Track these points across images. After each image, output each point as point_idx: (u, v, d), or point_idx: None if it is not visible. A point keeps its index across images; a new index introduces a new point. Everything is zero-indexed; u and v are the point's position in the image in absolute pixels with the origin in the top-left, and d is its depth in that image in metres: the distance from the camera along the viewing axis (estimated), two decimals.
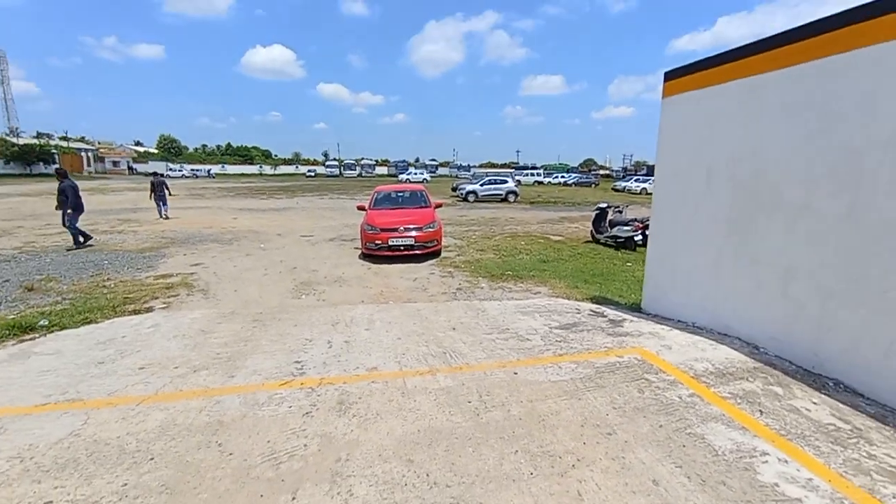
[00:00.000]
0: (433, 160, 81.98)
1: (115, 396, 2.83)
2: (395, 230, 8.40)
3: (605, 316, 4.71)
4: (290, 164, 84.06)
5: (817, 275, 3.18)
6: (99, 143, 70.05)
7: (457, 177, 49.50)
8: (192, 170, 63.43)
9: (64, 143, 60.70)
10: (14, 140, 55.93)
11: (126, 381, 3.04)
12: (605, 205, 11.46)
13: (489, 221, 15.22)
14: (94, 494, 1.94)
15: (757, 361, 3.38)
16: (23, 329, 4.39)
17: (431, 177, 58.75)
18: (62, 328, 4.50)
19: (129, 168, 64.42)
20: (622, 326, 4.32)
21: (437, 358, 3.46)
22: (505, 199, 24.91)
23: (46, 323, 4.59)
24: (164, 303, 5.73)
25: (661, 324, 4.40)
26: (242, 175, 69.19)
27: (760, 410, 2.66)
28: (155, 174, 17.04)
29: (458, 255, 9.02)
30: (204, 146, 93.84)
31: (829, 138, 3.11)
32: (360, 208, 9.90)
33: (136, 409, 2.66)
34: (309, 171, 71.42)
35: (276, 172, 75.81)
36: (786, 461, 2.20)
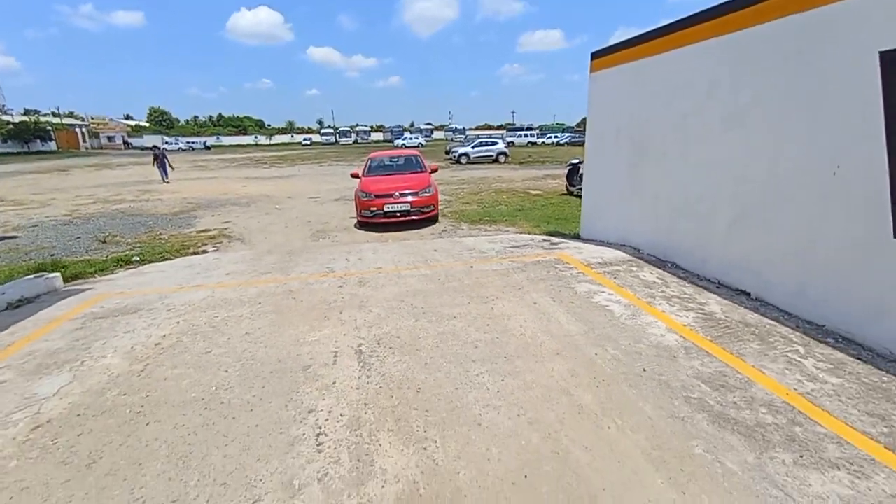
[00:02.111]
0: (429, 124, 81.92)
1: (222, 283, 4.57)
2: (391, 196, 8.31)
3: (550, 241, 6.38)
4: (284, 134, 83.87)
5: (670, 198, 4.82)
6: (92, 118, 69.82)
7: (452, 140, 50.16)
8: (188, 142, 63.75)
9: (56, 120, 60.75)
10: (8, 118, 55.90)
11: (222, 279, 4.77)
12: (577, 161, 12.95)
13: (478, 181, 16.68)
14: (237, 314, 3.69)
15: (633, 257, 5.10)
16: (124, 262, 6.09)
17: (427, 141, 59.29)
18: (150, 262, 6.19)
19: (125, 143, 64.72)
20: (557, 246, 6.00)
21: (421, 263, 5.18)
22: (496, 160, 26.08)
23: (138, 259, 6.29)
24: (214, 247, 7.41)
25: (587, 243, 6.08)
26: (238, 146, 69.37)
27: (615, 277, 4.39)
28: (155, 147, 21.18)
29: (447, 208, 10.64)
30: (195, 118, 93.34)
31: (675, 106, 4.65)
32: (354, 176, 9.81)
33: (238, 288, 4.40)
34: (305, 139, 71.77)
35: (272, 142, 75.86)
36: (612, 294, 3.93)
